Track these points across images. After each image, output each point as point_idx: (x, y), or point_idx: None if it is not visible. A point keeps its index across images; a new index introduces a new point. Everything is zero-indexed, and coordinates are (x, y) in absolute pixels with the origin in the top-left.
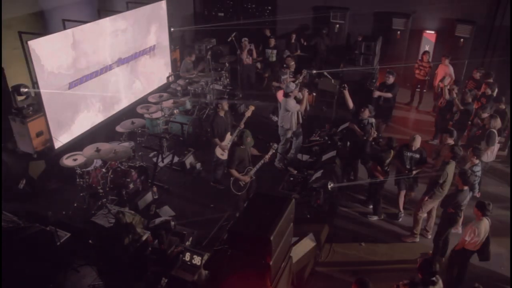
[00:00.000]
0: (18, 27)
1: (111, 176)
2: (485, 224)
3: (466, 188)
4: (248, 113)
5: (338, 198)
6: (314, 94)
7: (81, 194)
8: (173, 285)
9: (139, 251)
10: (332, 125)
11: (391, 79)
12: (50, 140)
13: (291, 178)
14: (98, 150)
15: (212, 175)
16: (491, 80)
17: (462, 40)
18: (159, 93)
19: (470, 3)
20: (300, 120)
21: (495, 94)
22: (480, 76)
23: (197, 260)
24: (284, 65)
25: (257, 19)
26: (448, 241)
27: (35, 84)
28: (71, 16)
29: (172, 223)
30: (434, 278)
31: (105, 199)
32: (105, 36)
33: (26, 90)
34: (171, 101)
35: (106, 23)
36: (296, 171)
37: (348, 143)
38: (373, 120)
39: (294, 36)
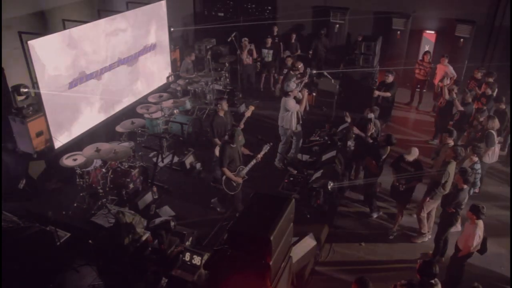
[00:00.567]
0: (18, 27)
1: (111, 176)
2: (481, 225)
3: (466, 187)
4: (248, 113)
5: (338, 198)
6: (314, 94)
7: (81, 194)
8: (173, 285)
9: (139, 251)
10: (332, 125)
11: (390, 78)
12: (50, 140)
13: (291, 178)
14: (98, 150)
15: (212, 175)
16: (491, 80)
17: (462, 40)
18: (159, 93)
19: (470, 3)
20: (300, 120)
21: (495, 94)
22: (482, 75)
23: (197, 260)
24: (294, 67)
25: (257, 19)
26: (447, 241)
27: (35, 84)
28: (71, 16)
29: (172, 223)
30: (432, 281)
31: (105, 199)
32: (105, 36)
33: (26, 90)
34: (171, 101)
35: (106, 23)
36: (296, 171)
37: (351, 143)
38: (372, 115)
39: (294, 36)
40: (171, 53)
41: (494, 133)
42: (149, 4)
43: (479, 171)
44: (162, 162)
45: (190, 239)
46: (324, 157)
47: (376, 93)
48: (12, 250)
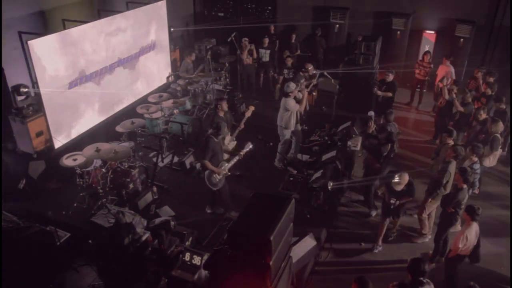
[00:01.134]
0: (18, 27)
1: (111, 176)
2: (475, 228)
3: (465, 186)
4: (248, 113)
5: (338, 198)
6: (314, 94)
7: (81, 194)
8: (173, 285)
9: (139, 251)
10: (332, 125)
11: (390, 77)
12: (50, 140)
13: (291, 178)
14: (98, 150)
15: None
16: (491, 80)
17: (462, 40)
18: (159, 93)
19: (470, 3)
20: (300, 120)
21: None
22: (482, 75)
23: (197, 260)
24: (303, 69)
25: (257, 19)
26: (447, 241)
27: (35, 84)
28: (71, 16)
29: (172, 223)
30: (423, 279)
31: (105, 199)
32: (105, 36)
33: (26, 90)
34: (171, 101)
35: (106, 23)
36: (296, 171)
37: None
38: (372, 113)
39: (294, 36)
40: (171, 53)
41: (500, 137)
42: (149, 4)
43: (478, 171)
44: (162, 162)
45: (190, 239)
46: (324, 157)
47: (378, 93)
48: (12, 250)
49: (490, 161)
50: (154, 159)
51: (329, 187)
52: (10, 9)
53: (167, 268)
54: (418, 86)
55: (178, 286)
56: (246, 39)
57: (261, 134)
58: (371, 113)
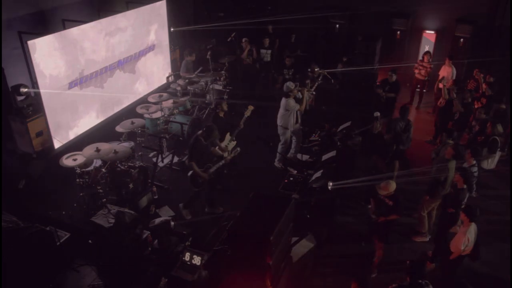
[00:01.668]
0: (18, 27)
1: (111, 176)
2: (474, 229)
3: (465, 186)
4: (247, 113)
5: (338, 198)
6: (314, 93)
7: (81, 194)
8: (173, 285)
9: (139, 251)
10: (332, 125)
11: (393, 78)
12: (49, 140)
13: (291, 178)
14: (98, 150)
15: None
16: (491, 80)
17: (462, 40)
18: (159, 93)
19: (470, 3)
20: (299, 120)
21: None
22: (482, 75)
23: (197, 260)
24: (309, 70)
25: (257, 19)
26: (448, 241)
27: (35, 84)
28: (71, 16)
29: (172, 223)
30: (422, 282)
31: (105, 199)
32: (104, 36)
33: (26, 90)
34: (171, 101)
35: (106, 23)
36: (296, 171)
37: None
38: (378, 114)
39: (294, 36)
40: (171, 53)
41: (498, 140)
42: (149, 4)
43: (476, 173)
44: (162, 162)
45: (190, 239)
46: (324, 157)
47: (382, 93)
48: (12, 250)
49: (489, 164)
50: (154, 159)
51: (329, 187)
52: (10, 9)
53: (167, 268)
54: (418, 86)
55: (178, 286)
56: (246, 39)
57: (261, 134)
58: (377, 114)
